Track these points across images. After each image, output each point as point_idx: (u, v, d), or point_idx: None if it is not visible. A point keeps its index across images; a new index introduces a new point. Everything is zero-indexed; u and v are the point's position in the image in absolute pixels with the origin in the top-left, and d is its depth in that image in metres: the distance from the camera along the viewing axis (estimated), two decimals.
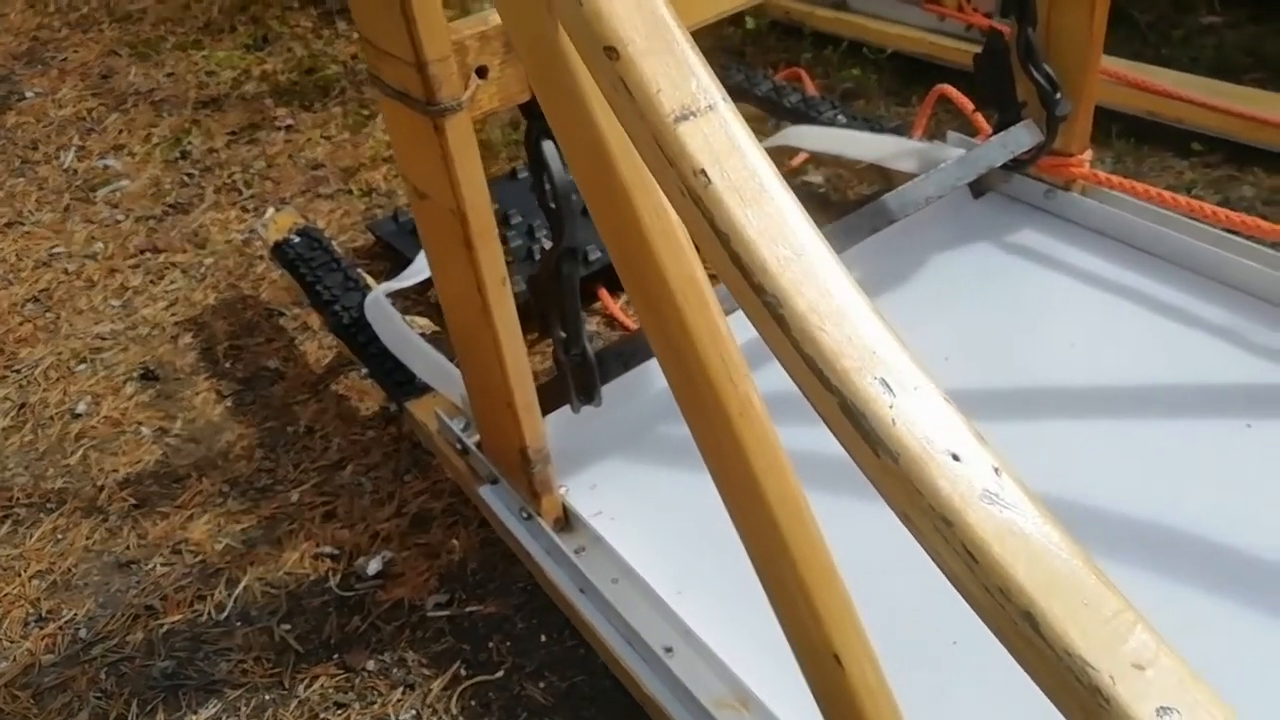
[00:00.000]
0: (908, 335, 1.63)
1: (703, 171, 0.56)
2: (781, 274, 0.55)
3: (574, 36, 0.59)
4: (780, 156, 2.23)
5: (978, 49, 1.58)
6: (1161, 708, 0.45)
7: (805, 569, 0.71)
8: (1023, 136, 1.50)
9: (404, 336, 1.56)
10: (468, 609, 1.38)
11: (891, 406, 0.53)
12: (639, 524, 1.29)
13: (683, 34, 0.59)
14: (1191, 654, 1.08)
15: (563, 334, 1.17)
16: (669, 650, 1.13)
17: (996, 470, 0.52)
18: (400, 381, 1.59)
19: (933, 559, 0.53)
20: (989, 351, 1.46)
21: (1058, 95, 1.46)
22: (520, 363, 1.09)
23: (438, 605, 1.39)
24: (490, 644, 1.32)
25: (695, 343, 0.69)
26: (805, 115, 2.11)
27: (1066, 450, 1.30)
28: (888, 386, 0.54)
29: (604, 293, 1.97)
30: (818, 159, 2.18)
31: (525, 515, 1.30)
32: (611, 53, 0.57)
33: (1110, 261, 1.54)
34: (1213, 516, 1.18)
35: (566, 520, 1.30)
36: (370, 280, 1.83)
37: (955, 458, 0.52)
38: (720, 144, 0.57)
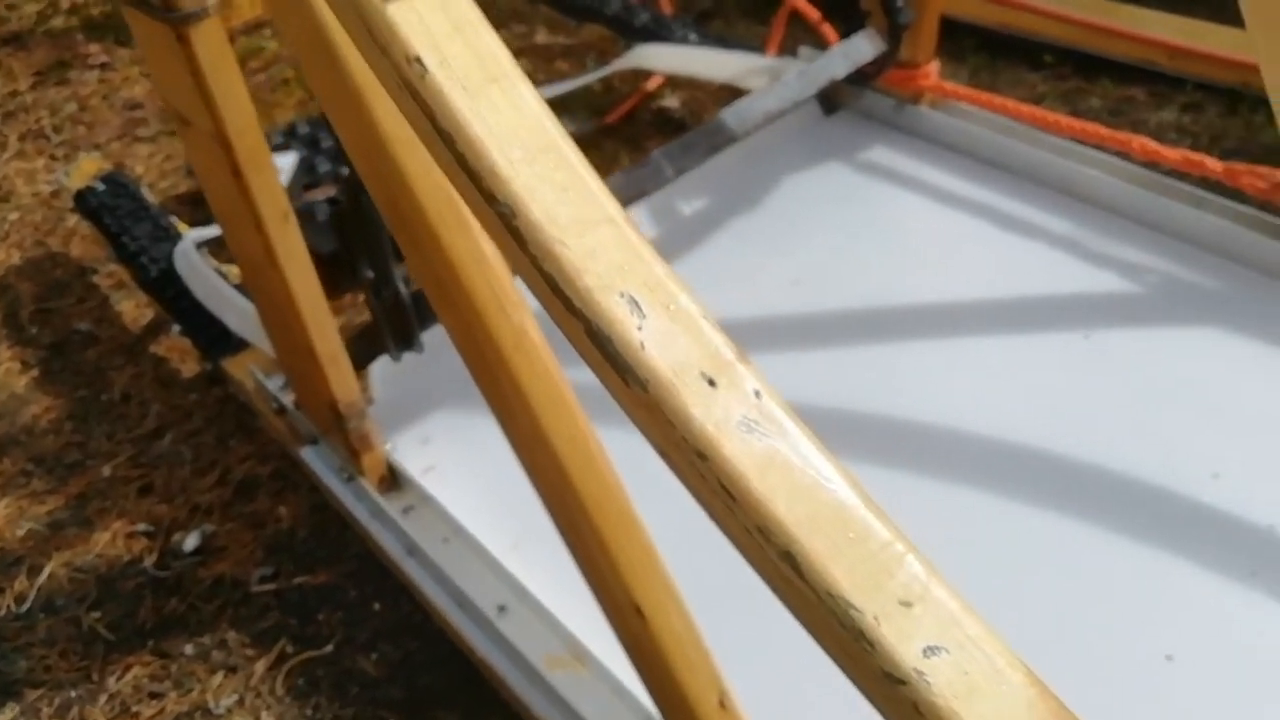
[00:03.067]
0: (755, 259, 1.58)
1: (418, 59, 0.46)
2: (514, 178, 0.46)
3: None
4: (636, 80, 2.13)
5: None
6: (928, 647, 0.40)
7: (599, 516, 0.64)
8: (864, 46, 1.44)
9: (215, 288, 1.41)
10: (295, 580, 1.28)
11: (640, 328, 0.45)
12: (473, 478, 1.20)
13: None
14: (1024, 566, 1.06)
15: (370, 274, 1.06)
16: (502, 609, 1.05)
17: (758, 394, 0.45)
18: (215, 338, 1.45)
19: (694, 497, 0.46)
20: (837, 273, 1.41)
21: (899, 3, 1.40)
22: (317, 308, 0.98)
23: (263, 579, 1.28)
24: (320, 617, 1.22)
25: (456, 268, 0.60)
26: (656, 35, 2.00)
27: (910, 369, 1.27)
28: (637, 306, 0.45)
29: None
30: (674, 82, 2.09)
31: (347, 477, 1.19)
32: None
33: (958, 176, 1.50)
34: (1049, 428, 1.17)
35: (394, 479, 1.20)
36: (184, 228, 1.66)
37: (711, 383, 0.45)
38: (440, 26, 0.47)
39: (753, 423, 0.45)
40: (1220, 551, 1.05)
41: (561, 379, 0.63)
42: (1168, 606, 1.01)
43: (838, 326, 1.34)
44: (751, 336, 1.36)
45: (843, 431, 1.22)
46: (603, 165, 1.99)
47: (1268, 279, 1.30)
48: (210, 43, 0.79)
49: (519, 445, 0.65)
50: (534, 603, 1.04)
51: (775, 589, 0.44)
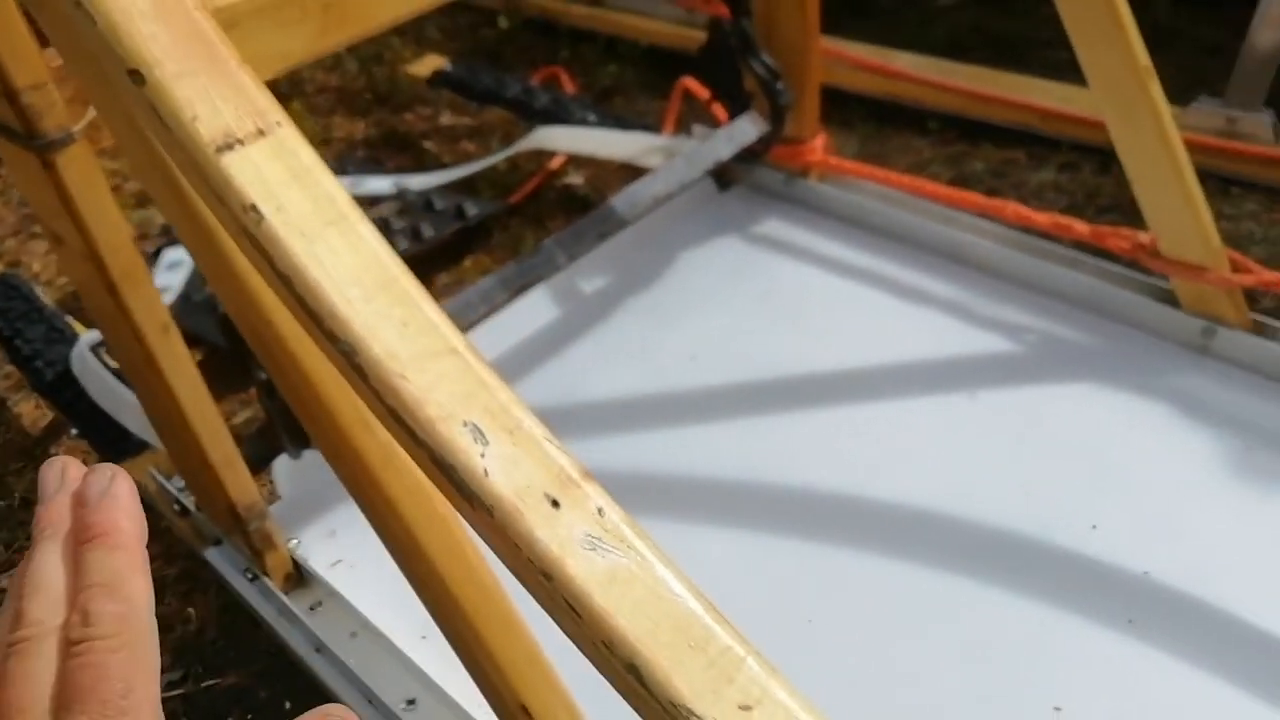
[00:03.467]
0: (653, 335, 1.62)
1: (254, 207, 0.48)
2: (353, 318, 0.48)
3: (99, 62, 0.50)
4: (540, 159, 2.18)
5: None
6: None
7: (481, 621, 0.65)
8: (747, 128, 1.50)
9: (112, 389, 1.40)
10: (204, 684, 1.25)
11: (484, 455, 0.47)
12: (380, 569, 1.17)
13: (228, 50, 0.51)
14: (914, 624, 1.09)
15: (262, 374, 1.06)
16: (411, 703, 1.05)
17: (600, 511, 0.48)
18: (113, 440, 1.42)
19: (549, 613, 0.48)
20: (733, 346, 1.45)
21: (779, 85, 1.47)
22: (205, 414, 0.98)
23: (170, 685, 1.25)
24: None
25: (319, 391, 0.61)
26: (555, 116, 2.06)
27: (803, 437, 1.31)
28: (480, 433, 0.48)
29: None
30: (577, 160, 2.15)
31: (251, 576, 1.18)
32: (136, 76, 0.48)
33: (846, 244, 1.57)
34: (937, 489, 1.21)
35: (300, 575, 1.19)
36: (80, 328, 1.64)
37: (555, 504, 0.47)
38: (275, 174, 0.49)
39: (596, 540, 0.47)
40: (1100, 601, 1.09)
41: (434, 491, 0.65)
42: (1054, 658, 1.05)
43: (733, 398, 1.38)
44: (650, 412, 1.39)
45: (738, 501, 1.25)
46: (508, 244, 2.02)
47: (1139, 334, 1.38)
48: (78, 166, 0.80)
49: (397, 558, 0.66)
50: (442, 695, 1.04)
51: (626, 699, 0.46)
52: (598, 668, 0.47)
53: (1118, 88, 1.20)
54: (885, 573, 1.14)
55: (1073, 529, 1.16)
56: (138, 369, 0.95)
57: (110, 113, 0.61)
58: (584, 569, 0.46)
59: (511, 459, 0.47)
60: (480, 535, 0.48)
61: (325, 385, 0.61)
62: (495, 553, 0.48)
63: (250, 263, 0.50)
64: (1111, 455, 1.24)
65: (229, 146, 0.49)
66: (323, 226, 0.50)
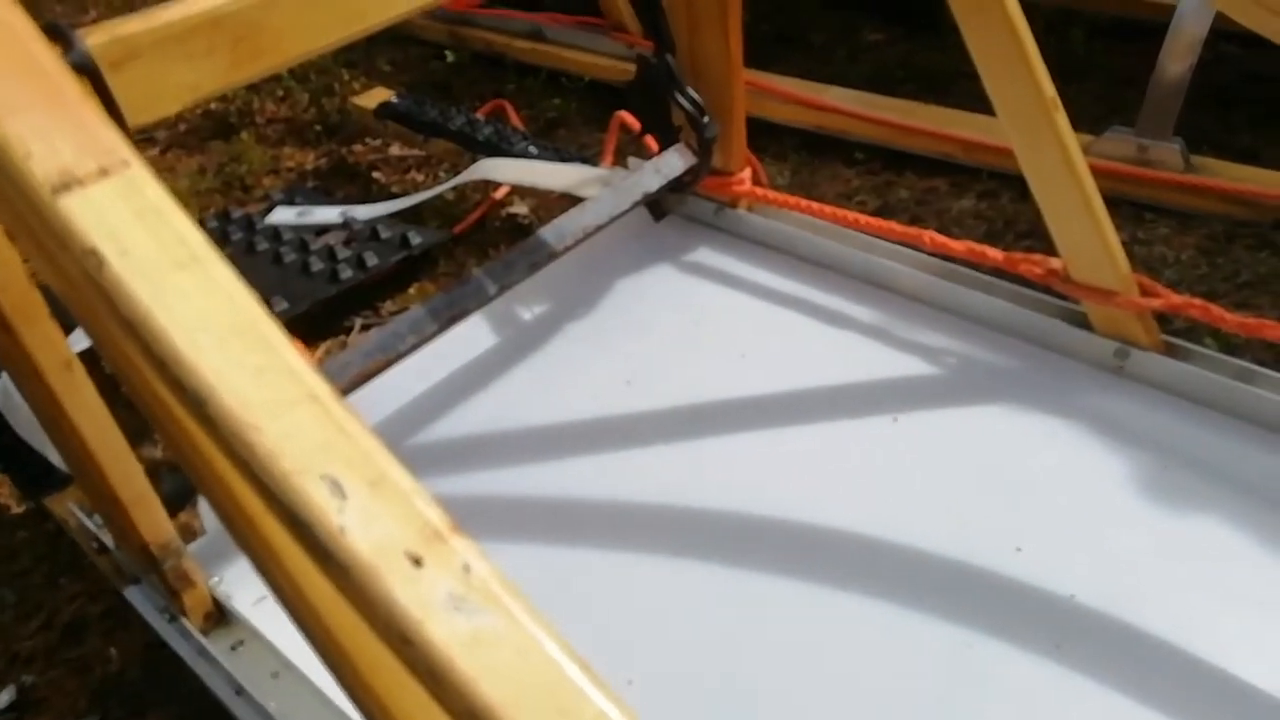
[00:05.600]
0: (589, 362, 1.63)
1: (94, 251, 0.48)
2: (202, 365, 0.47)
3: None
4: (486, 189, 2.19)
5: None
6: None
7: (372, 674, 0.65)
8: (675, 161, 1.53)
9: (35, 421, 1.38)
10: None
11: (341, 511, 0.47)
12: None
13: (68, 84, 0.51)
14: (836, 651, 1.10)
15: None
16: None
17: (467, 568, 0.47)
18: (37, 474, 1.40)
19: (415, 678, 0.47)
20: (666, 372, 1.47)
21: (705, 119, 1.49)
22: (116, 453, 0.97)
23: None
24: None
25: (191, 436, 0.61)
26: (498, 148, 2.08)
27: (733, 460, 1.33)
28: (339, 487, 0.48)
29: (299, 345, 1.85)
30: (522, 190, 2.16)
31: (169, 616, 1.17)
32: None
33: (774, 272, 1.59)
34: (861, 511, 1.23)
35: (220, 614, 1.18)
36: None
37: (417, 562, 0.47)
38: (119, 216, 0.49)
39: (460, 599, 0.46)
40: (1026, 626, 1.10)
41: None
42: (979, 684, 1.06)
43: (667, 423, 1.40)
44: (585, 436, 1.40)
45: (669, 524, 1.26)
46: (453, 273, 2.03)
47: (1055, 356, 1.41)
48: None
49: (286, 607, 0.66)
50: None
51: None
52: None
53: (1025, 118, 1.24)
54: (811, 597, 1.15)
55: (998, 552, 1.17)
56: (42, 406, 0.94)
57: None
58: (446, 632, 0.44)
59: (371, 514, 0.47)
60: (341, 595, 0.48)
61: (197, 433, 0.61)
62: (357, 614, 0.48)
63: (94, 310, 0.50)
64: (1033, 476, 1.27)
65: (66, 187, 0.48)
66: (171, 269, 0.49)
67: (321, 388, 0.50)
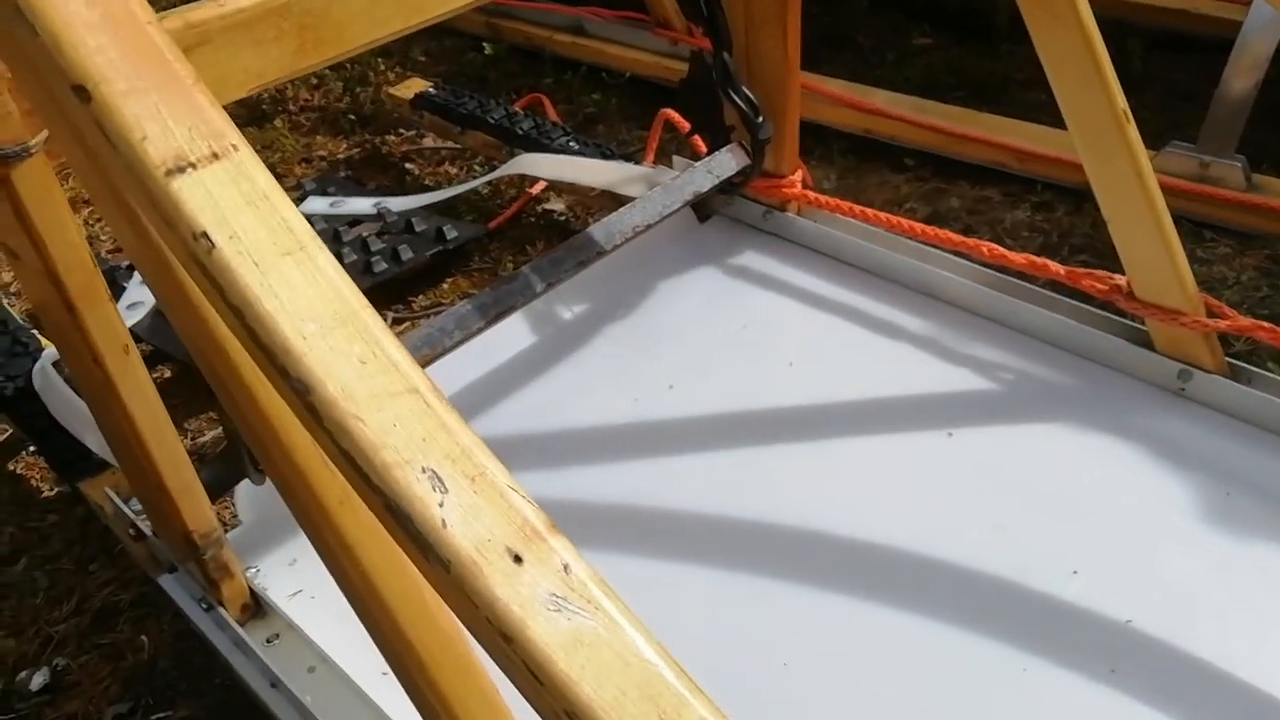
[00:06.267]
0: (631, 365, 1.60)
1: (205, 234, 0.46)
2: (307, 354, 0.46)
3: (43, 75, 0.48)
4: (522, 184, 2.17)
5: None
6: None
7: (436, 668, 0.63)
8: (728, 161, 1.50)
9: (74, 407, 1.36)
10: (154, 716, 1.21)
11: (442, 504, 0.45)
12: (342, 600, 1.15)
13: (183, 67, 0.49)
14: (888, 666, 1.07)
15: None
16: None
17: (566, 568, 0.45)
18: (72, 459, 1.39)
19: (507, 675, 0.45)
20: (710, 377, 1.44)
21: (759, 119, 1.46)
22: (165, 439, 0.95)
23: (118, 717, 1.22)
24: None
25: (275, 426, 0.59)
26: (537, 143, 2.05)
27: (780, 470, 1.30)
28: (439, 480, 0.46)
29: None
30: (557, 186, 2.14)
31: (206, 606, 1.15)
32: (81, 93, 0.46)
33: (824, 278, 1.56)
34: (914, 527, 1.20)
35: (257, 605, 1.16)
36: (45, 342, 1.60)
37: (517, 559, 0.45)
38: (229, 200, 0.47)
39: (561, 600, 0.44)
40: (1082, 649, 1.07)
41: (386, 536, 0.62)
42: (1032, 707, 1.03)
43: (710, 429, 1.37)
44: (626, 441, 1.37)
45: (713, 534, 1.23)
46: (487, 268, 2.00)
47: (1116, 374, 1.38)
48: (34, 182, 0.78)
49: (351, 598, 0.64)
50: None
51: None
52: None
53: (1095, 130, 1.21)
54: (863, 614, 1.12)
55: (1052, 574, 1.14)
56: (95, 390, 0.92)
57: (58, 129, 0.58)
58: (547, 632, 0.43)
59: (472, 509, 0.45)
60: (437, 589, 0.46)
61: (281, 419, 0.59)
62: (451, 608, 0.46)
63: (204, 293, 0.48)
64: (1090, 498, 1.23)
65: (180, 170, 0.47)
66: (279, 256, 0.48)
67: (423, 381, 0.48)
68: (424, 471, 0.46)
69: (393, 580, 0.62)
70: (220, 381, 0.60)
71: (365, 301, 0.50)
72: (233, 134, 0.49)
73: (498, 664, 0.45)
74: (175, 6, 0.86)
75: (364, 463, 0.45)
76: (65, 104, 0.47)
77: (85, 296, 0.83)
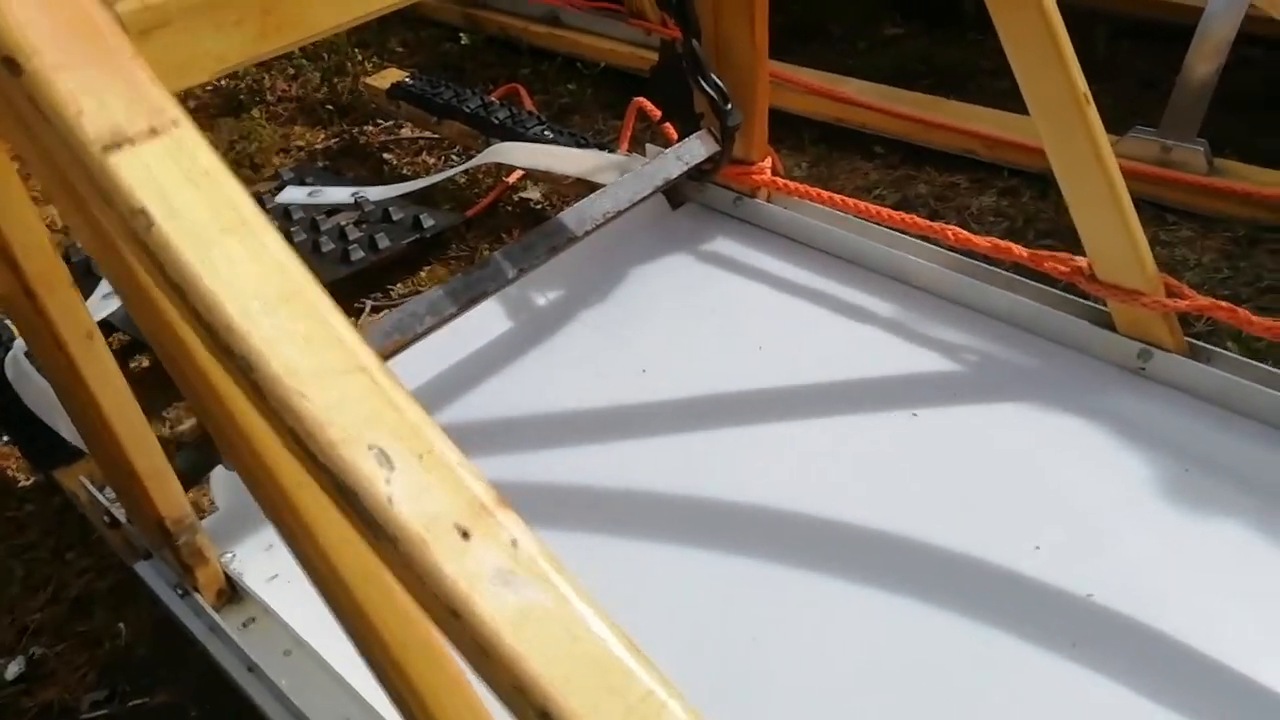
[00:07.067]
0: (604, 349, 1.62)
1: (143, 211, 0.46)
2: (252, 331, 0.46)
3: None
4: (499, 173, 2.18)
5: None
6: None
7: (400, 650, 0.64)
8: (697, 148, 1.51)
9: (46, 395, 1.36)
10: (132, 703, 1.22)
11: (389, 481, 0.46)
12: None
13: (121, 42, 0.49)
14: (854, 646, 1.09)
15: None
16: None
17: (515, 543, 0.47)
18: (46, 447, 1.39)
19: (459, 651, 0.47)
20: (682, 360, 1.46)
21: (728, 106, 1.48)
22: (134, 425, 0.96)
23: (95, 704, 1.23)
24: None
25: (229, 406, 0.60)
26: (513, 131, 2.06)
27: (749, 452, 1.31)
28: (386, 457, 0.47)
29: None
30: (534, 174, 2.15)
31: (182, 592, 1.16)
32: (11, 65, 0.46)
33: (793, 263, 1.58)
34: (879, 506, 1.22)
35: (233, 590, 1.17)
36: (16, 330, 1.60)
37: (465, 535, 0.46)
38: (169, 176, 0.48)
39: (508, 574, 0.45)
40: (1044, 625, 1.09)
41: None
42: (995, 682, 1.05)
43: (681, 413, 1.38)
44: (598, 425, 1.39)
45: (684, 515, 1.25)
46: (465, 256, 2.01)
47: (1078, 355, 1.40)
48: None
49: (316, 583, 0.65)
50: (378, 717, 1.02)
51: None
52: (510, 711, 0.45)
53: (1056, 113, 1.22)
54: (829, 590, 1.14)
55: (1015, 550, 1.16)
56: (60, 377, 0.93)
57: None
58: (494, 607, 0.44)
59: (420, 486, 0.46)
60: (387, 567, 0.47)
61: (235, 401, 0.60)
62: (402, 586, 0.47)
63: (143, 271, 0.49)
64: (1052, 475, 1.26)
65: (117, 145, 0.47)
66: (220, 233, 0.48)
67: (370, 358, 0.49)
68: (370, 448, 0.47)
69: (353, 561, 0.63)
70: (175, 365, 0.61)
71: (311, 279, 0.50)
72: (173, 109, 0.50)
73: (449, 640, 0.46)
74: None
75: (309, 440, 0.46)
76: None
77: (45, 282, 0.83)
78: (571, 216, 1.37)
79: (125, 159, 0.47)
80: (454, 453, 0.49)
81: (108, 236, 0.59)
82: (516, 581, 0.45)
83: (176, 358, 0.60)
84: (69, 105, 0.46)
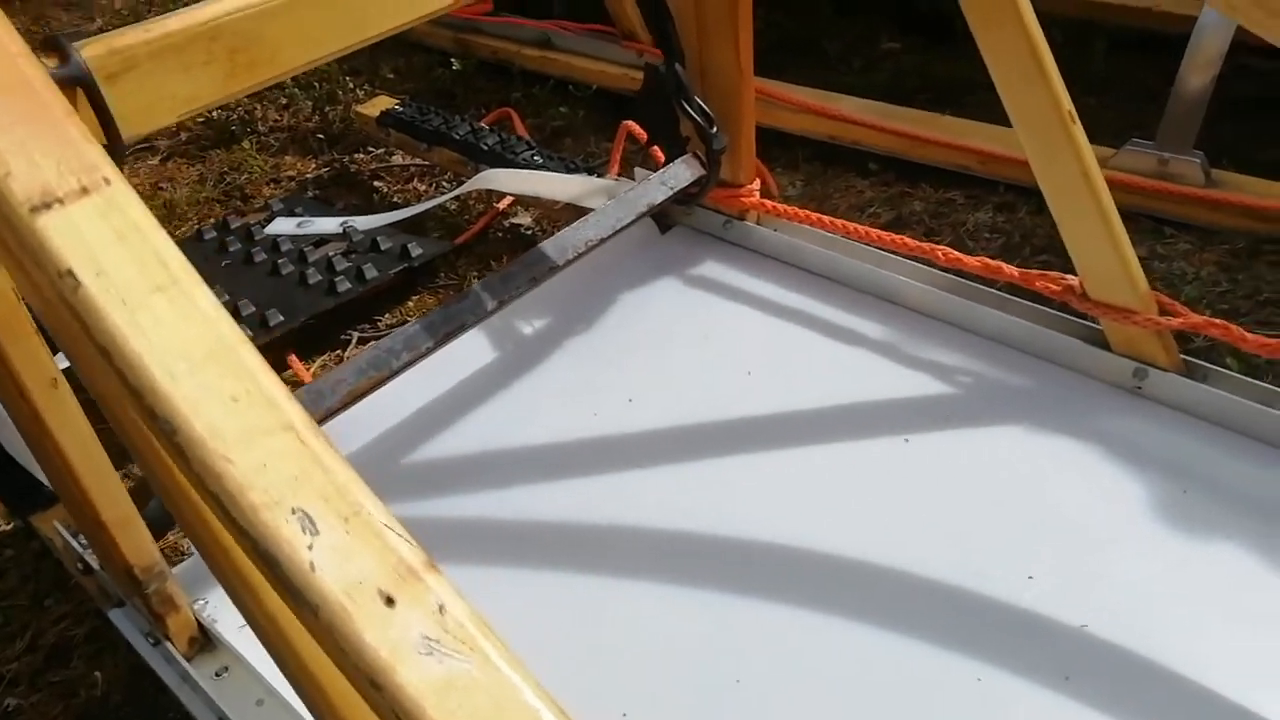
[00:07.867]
0: (591, 378, 1.59)
1: (69, 272, 0.45)
2: (174, 393, 0.44)
3: None
4: (489, 199, 2.16)
5: None
6: None
7: (349, 710, 0.61)
8: (682, 172, 1.49)
9: (20, 438, 1.34)
10: None
11: (311, 547, 0.44)
12: None
13: (55, 99, 0.48)
14: (845, 678, 1.06)
15: None
16: None
17: (441, 608, 0.44)
18: (24, 492, 1.37)
19: None
20: (670, 389, 1.43)
21: (714, 130, 1.46)
22: (100, 472, 0.94)
23: None
24: None
25: (167, 464, 0.58)
26: (502, 157, 2.05)
27: (740, 480, 1.29)
28: (310, 521, 0.44)
29: (294, 359, 1.82)
30: (525, 200, 2.13)
31: (153, 640, 1.13)
32: None
33: (784, 286, 1.56)
34: (871, 534, 1.19)
35: (205, 639, 1.14)
36: None
37: (390, 601, 0.44)
38: (97, 235, 0.46)
39: (433, 643, 0.43)
40: (1038, 655, 1.06)
41: None
42: (988, 712, 1.02)
43: (669, 442, 1.36)
44: (586, 458, 1.36)
45: (672, 547, 1.22)
46: (454, 285, 1.99)
47: (1072, 375, 1.37)
48: None
49: (263, 642, 0.63)
50: None
51: None
52: None
53: (1042, 131, 1.20)
54: (818, 625, 1.11)
55: (1009, 579, 1.13)
56: (25, 424, 0.91)
57: None
58: (418, 676, 0.42)
59: (344, 550, 0.44)
60: (310, 634, 0.45)
61: (168, 461, 0.58)
62: (326, 654, 0.45)
63: (71, 334, 0.47)
64: (1046, 500, 1.22)
65: (46, 205, 0.45)
66: (148, 293, 0.46)
67: (299, 416, 0.47)
68: (294, 512, 0.44)
69: (294, 622, 0.60)
70: (119, 425, 0.59)
71: (242, 336, 0.48)
72: (106, 167, 0.48)
73: (373, 711, 0.44)
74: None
75: (231, 505, 0.44)
76: None
77: (7, 330, 0.81)
78: (553, 245, 1.35)
79: (54, 220, 0.45)
80: (383, 514, 0.47)
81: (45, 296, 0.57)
82: (441, 649, 0.43)
83: (119, 417, 0.58)
84: None
